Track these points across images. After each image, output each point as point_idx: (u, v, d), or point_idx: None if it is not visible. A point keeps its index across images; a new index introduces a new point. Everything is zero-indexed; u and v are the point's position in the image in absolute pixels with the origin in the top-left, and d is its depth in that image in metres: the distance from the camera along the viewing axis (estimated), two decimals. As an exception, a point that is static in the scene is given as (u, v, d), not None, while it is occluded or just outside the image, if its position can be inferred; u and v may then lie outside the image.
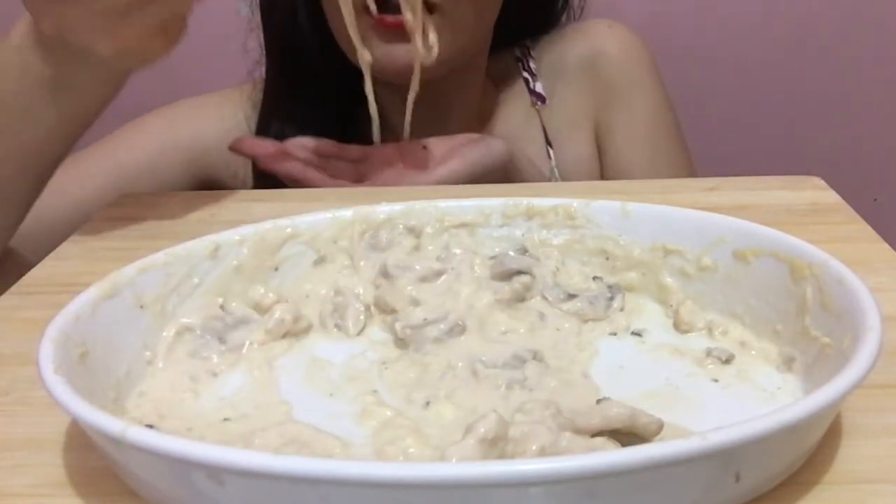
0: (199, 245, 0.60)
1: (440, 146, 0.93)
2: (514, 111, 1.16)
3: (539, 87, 1.15)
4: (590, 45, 1.15)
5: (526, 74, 1.16)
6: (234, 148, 0.92)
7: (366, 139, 0.94)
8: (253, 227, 0.62)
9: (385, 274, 0.62)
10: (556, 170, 1.12)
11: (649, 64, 1.16)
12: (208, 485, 0.38)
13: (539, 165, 1.06)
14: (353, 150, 0.95)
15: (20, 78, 0.77)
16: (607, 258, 0.64)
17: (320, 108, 1.06)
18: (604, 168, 1.14)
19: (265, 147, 0.92)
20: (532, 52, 1.17)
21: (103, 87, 0.80)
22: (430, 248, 0.65)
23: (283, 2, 1.06)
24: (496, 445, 0.42)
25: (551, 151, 1.13)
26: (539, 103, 1.15)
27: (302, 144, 0.93)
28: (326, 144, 0.95)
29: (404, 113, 0.90)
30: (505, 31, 1.08)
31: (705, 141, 1.16)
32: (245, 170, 1.08)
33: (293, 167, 0.89)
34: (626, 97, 1.14)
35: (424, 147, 0.94)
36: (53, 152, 0.82)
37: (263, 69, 1.11)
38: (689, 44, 1.30)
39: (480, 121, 1.14)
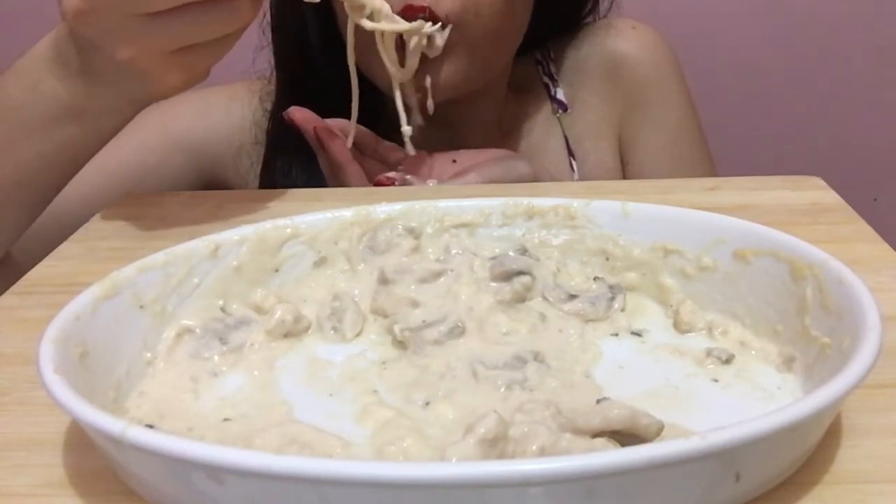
0: (199, 245, 0.60)
1: (468, 160, 0.91)
2: (534, 120, 1.11)
3: (560, 94, 1.11)
4: (613, 48, 1.10)
5: (546, 79, 1.12)
6: (286, 118, 0.90)
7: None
8: (253, 228, 0.62)
9: (383, 280, 0.62)
10: None
11: (674, 68, 1.12)
12: (208, 485, 0.38)
13: (562, 179, 1.03)
14: (390, 148, 0.94)
15: (32, 89, 0.77)
16: (607, 258, 0.64)
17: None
18: (626, 179, 1.10)
19: (314, 119, 0.90)
20: (552, 54, 1.13)
21: (110, 117, 0.80)
22: (429, 249, 0.65)
23: (294, 19, 1.03)
24: (496, 445, 0.42)
25: (574, 163, 1.09)
26: (560, 111, 1.11)
27: (341, 127, 0.91)
28: (366, 134, 0.93)
29: (420, 126, 0.90)
30: (528, 34, 1.02)
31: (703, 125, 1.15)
32: (251, 171, 1.08)
33: (342, 153, 0.88)
34: (650, 105, 1.10)
35: (454, 161, 0.92)
36: (52, 177, 0.82)
37: (268, 63, 1.09)
38: (688, 44, 1.30)
39: (499, 131, 1.10)
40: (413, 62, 0.89)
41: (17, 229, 0.84)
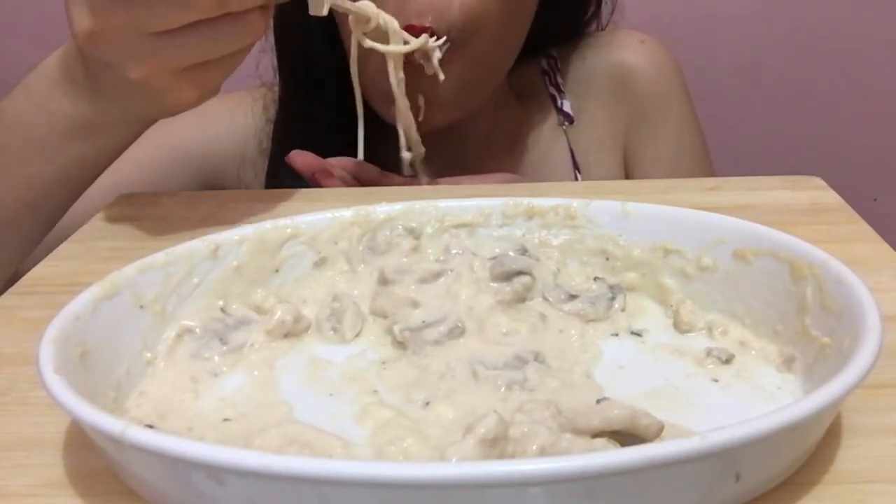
0: (199, 245, 0.60)
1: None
2: (540, 132, 1.11)
3: (567, 106, 1.10)
4: (620, 61, 1.10)
5: (553, 90, 1.11)
6: (287, 163, 0.89)
7: (381, 161, 0.92)
8: (253, 228, 0.62)
9: (383, 280, 0.62)
10: None
11: (680, 83, 1.12)
12: (208, 485, 0.38)
13: None
14: (394, 180, 0.92)
15: (42, 107, 0.77)
16: (607, 258, 0.64)
17: (335, 131, 1.00)
18: None
19: (314, 163, 0.89)
20: (558, 64, 1.12)
21: (121, 133, 0.80)
22: (429, 249, 0.65)
23: (298, 27, 1.03)
24: (496, 445, 0.42)
25: (579, 176, 1.09)
26: (567, 123, 1.10)
27: (343, 166, 0.90)
28: (370, 170, 0.91)
29: (420, 138, 0.90)
30: (530, 39, 1.01)
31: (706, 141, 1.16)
32: (255, 182, 1.07)
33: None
34: (655, 121, 1.10)
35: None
36: (64, 195, 0.82)
37: (272, 66, 1.08)
38: (688, 44, 1.30)
39: (505, 140, 1.09)
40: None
41: (28, 247, 0.84)
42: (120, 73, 0.70)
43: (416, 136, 0.90)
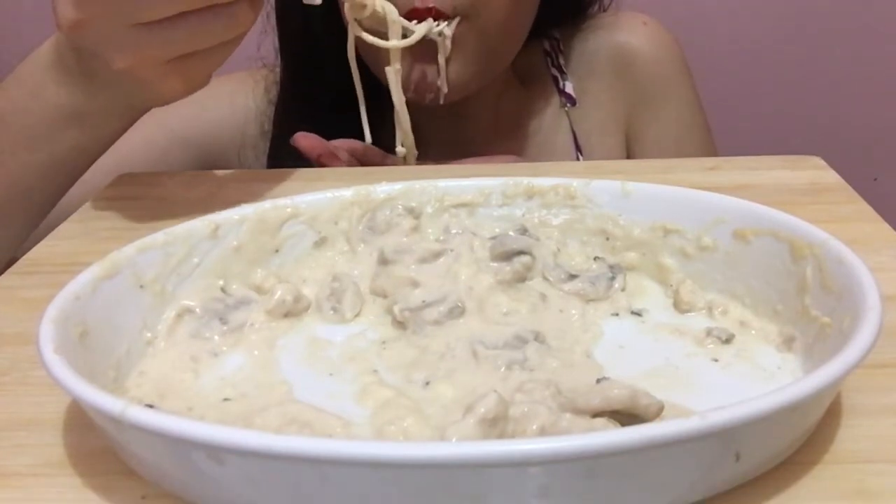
0: (199, 225, 0.60)
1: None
2: (542, 114, 1.10)
3: (569, 88, 1.10)
4: (623, 43, 1.09)
5: (555, 72, 1.10)
6: (291, 144, 0.89)
7: (381, 143, 0.92)
8: (253, 207, 0.62)
9: (383, 260, 0.62)
10: None
11: (683, 66, 1.11)
12: (208, 464, 0.38)
13: None
14: (396, 163, 0.92)
15: (34, 95, 0.77)
16: (607, 238, 0.64)
17: (335, 113, 0.99)
18: None
19: (318, 146, 0.89)
20: (561, 46, 1.11)
21: (115, 121, 0.79)
22: (429, 229, 0.65)
23: (299, 8, 1.02)
24: (496, 425, 0.42)
25: (581, 158, 1.08)
26: (569, 105, 1.10)
27: (347, 148, 0.89)
28: (374, 153, 0.91)
29: (420, 118, 0.89)
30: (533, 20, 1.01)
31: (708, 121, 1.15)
32: (256, 164, 1.07)
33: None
34: (658, 103, 1.10)
35: None
36: (59, 182, 0.82)
37: (273, 48, 1.08)
38: (689, 25, 1.30)
39: (507, 121, 1.09)
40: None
41: (22, 234, 0.84)
42: (106, 62, 0.69)
43: (410, 139, 0.90)
